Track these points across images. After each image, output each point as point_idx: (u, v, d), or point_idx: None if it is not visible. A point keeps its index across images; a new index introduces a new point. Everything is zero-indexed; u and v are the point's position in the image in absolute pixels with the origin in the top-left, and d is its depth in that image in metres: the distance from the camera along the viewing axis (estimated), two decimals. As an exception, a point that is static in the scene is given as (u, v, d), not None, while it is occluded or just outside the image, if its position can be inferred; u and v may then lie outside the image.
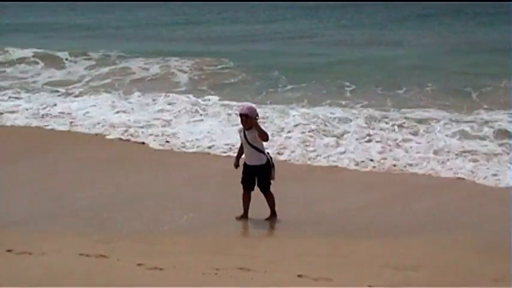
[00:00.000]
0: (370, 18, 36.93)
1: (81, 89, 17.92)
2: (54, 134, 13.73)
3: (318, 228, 8.14)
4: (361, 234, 7.90)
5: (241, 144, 8.35)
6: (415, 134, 12.18)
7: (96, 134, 13.53)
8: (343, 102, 15.15)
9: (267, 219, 8.34)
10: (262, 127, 8.32)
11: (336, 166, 10.98)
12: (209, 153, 11.83)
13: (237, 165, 8.46)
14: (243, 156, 8.38)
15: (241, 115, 8.20)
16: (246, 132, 8.13)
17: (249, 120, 8.08)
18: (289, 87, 17.42)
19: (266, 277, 6.25)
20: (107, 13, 45.50)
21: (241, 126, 8.23)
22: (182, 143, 12.40)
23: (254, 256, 6.98)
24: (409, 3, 41.73)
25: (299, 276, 6.25)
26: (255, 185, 8.31)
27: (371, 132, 12.31)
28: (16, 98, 16.81)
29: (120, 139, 13.04)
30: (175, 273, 6.28)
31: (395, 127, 12.56)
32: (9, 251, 6.92)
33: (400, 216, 8.68)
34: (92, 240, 7.49)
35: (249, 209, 8.38)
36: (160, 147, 12.42)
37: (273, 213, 8.36)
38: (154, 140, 12.70)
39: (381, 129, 12.50)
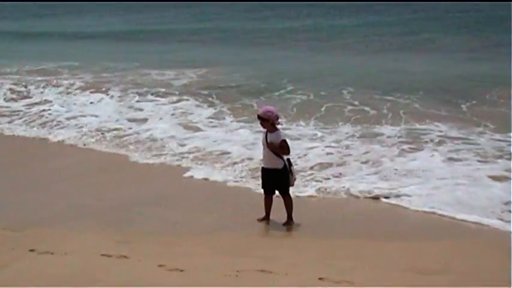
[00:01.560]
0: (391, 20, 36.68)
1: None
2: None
3: (340, 230, 8.09)
4: (383, 237, 7.83)
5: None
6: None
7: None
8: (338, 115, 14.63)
9: (284, 224, 8.28)
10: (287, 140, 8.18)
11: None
12: (228, 157, 11.74)
13: None
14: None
15: (258, 117, 8.21)
16: (268, 135, 8.09)
17: (265, 123, 8.06)
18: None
19: (287, 280, 6.21)
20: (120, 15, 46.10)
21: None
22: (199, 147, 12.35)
23: (275, 258, 6.94)
24: (438, 3, 41.40)
25: (320, 279, 6.20)
26: (275, 188, 8.27)
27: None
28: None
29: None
30: (196, 275, 6.27)
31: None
32: (32, 250, 6.98)
33: (422, 219, 8.59)
34: (114, 240, 7.52)
35: (271, 211, 8.35)
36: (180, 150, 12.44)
37: (290, 218, 8.27)
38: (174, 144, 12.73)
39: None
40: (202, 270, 6.39)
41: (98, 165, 11.53)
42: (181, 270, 6.34)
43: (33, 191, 9.95)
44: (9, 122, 15.27)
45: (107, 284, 5.91)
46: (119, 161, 11.88)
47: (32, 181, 10.52)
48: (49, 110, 16.13)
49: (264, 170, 8.25)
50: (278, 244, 7.77)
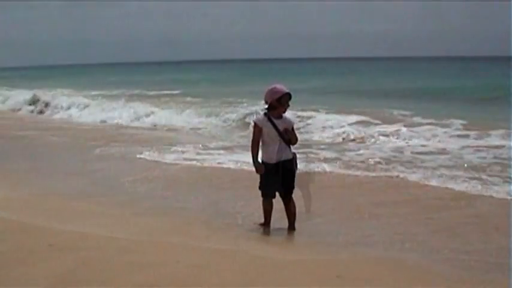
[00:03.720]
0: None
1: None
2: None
3: (359, 232, 8.04)
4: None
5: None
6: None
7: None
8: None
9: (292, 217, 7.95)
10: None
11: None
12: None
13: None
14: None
15: (289, 96, 7.34)
16: (277, 121, 7.42)
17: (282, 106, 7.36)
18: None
19: (304, 276, 6.18)
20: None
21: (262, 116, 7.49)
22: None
23: (292, 255, 6.90)
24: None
25: (338, 276, 6.15)
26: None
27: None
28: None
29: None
30: (213, 271, 6.25)
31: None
32: (50, 245, 7.01)
33: (440, 224, 8.49)
34: (131, 235, 7.53)
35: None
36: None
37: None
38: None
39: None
40: (218, 267, 6.37)
41: (116, 160, 11.61)
42: (199, 267, 6.33)
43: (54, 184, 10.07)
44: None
45: (124, 280, 5.93)
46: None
47: (52, 173, 10.66)
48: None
49: (281, 166, 7.58)
50: (295, 240, 7.74)
